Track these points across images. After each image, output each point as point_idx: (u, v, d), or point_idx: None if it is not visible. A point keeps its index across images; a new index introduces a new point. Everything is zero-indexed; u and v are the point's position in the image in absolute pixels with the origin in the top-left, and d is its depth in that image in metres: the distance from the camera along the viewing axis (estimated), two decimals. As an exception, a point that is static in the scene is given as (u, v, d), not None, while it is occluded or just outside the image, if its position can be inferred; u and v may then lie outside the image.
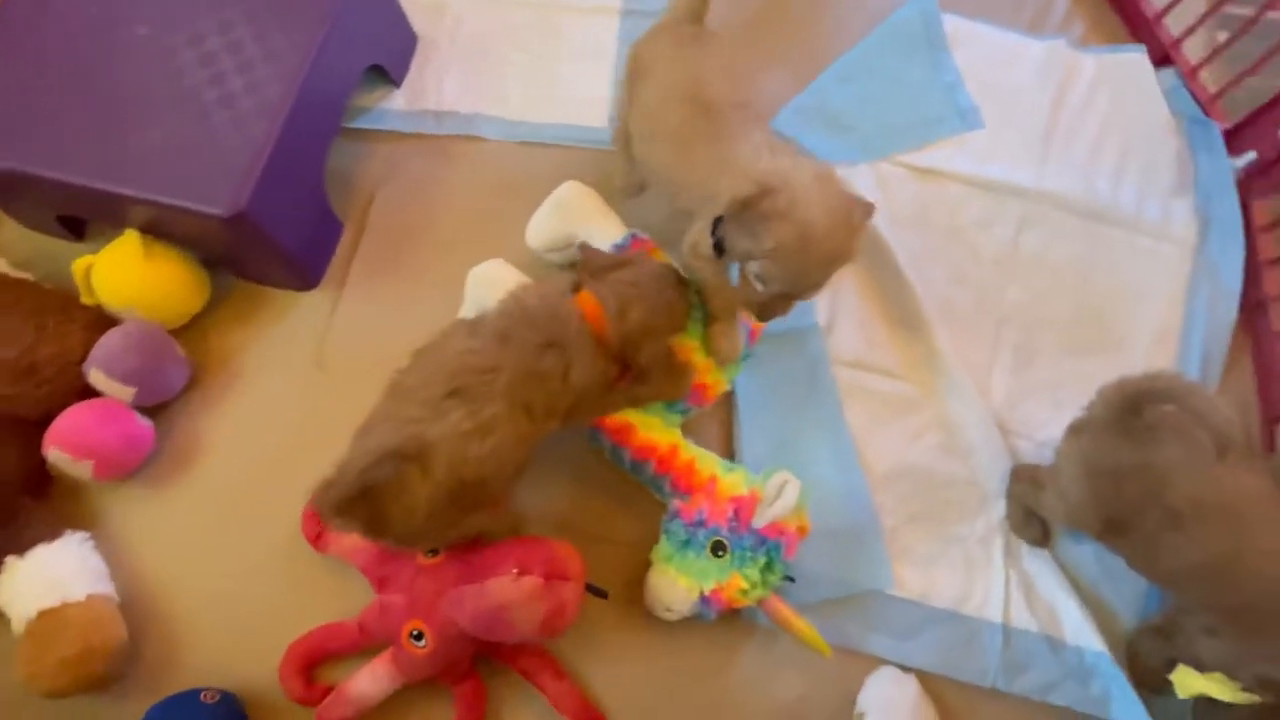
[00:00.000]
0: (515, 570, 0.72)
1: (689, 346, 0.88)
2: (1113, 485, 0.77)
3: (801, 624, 0.82)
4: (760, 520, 0.80)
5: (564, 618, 0.74)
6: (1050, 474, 0.86)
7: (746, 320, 0.89)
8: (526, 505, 0.92)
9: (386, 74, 1.13)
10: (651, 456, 0.86)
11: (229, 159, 0.87)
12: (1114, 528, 0.79)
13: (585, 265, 0.80)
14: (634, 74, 0.87)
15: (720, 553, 0.80)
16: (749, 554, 0.80)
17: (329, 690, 0.80)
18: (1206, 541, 0.73)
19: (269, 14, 0.94)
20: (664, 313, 0.79)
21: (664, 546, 0.84)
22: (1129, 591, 0.91)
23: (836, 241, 0.71)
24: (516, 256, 1.00)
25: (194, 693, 0.81)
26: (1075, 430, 0.83)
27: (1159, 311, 1.03)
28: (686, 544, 0.82)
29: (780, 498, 0.79)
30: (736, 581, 0.79)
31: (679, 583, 0.81)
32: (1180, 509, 0.73)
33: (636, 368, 0.79)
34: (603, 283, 0.77)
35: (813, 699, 0.86)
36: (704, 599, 0.81)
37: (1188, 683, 0.77)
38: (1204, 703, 0.79)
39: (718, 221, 0.75)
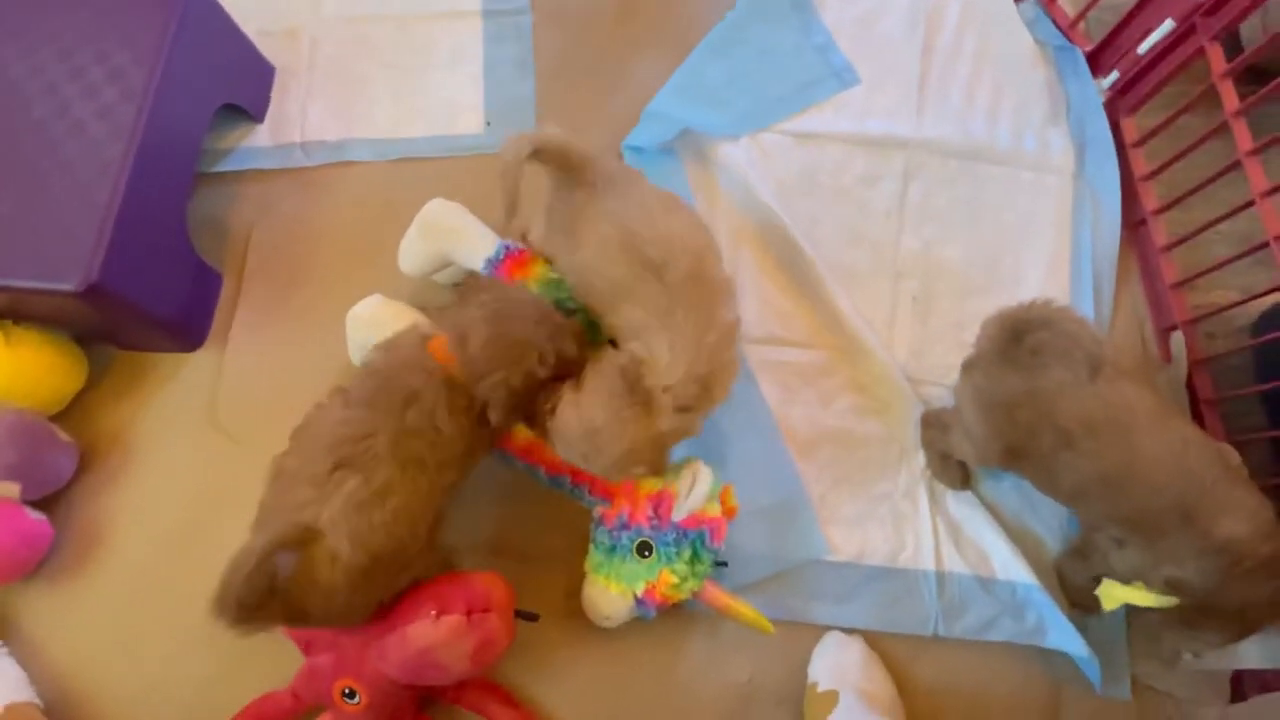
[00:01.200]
0: (434, 612, 0.70)
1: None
2: (1007, 415, 0.79)
3: (741, 607, 0.83)
4: (679, 514, 0.79)
5: (493, 649, 0.72)
6: (953, 415, 0.88)
7: None
8: (454, 536, 0.91)
9: (245, 111, 1.08)
10: (565, 469, 0.84)
11: (73, 229, 0.82)
12: (1014, 455, 0.81)
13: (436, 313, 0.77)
14: (557, 231, 0.85)
15: (646, 553, 0.80)
16: (673, 549, 0.79)
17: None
18: (1098, 456, 0.76)
19: (96, 67, 0.89)
20: (512, 340, 0.74)
21: (593, 555, 0.83)
22: (1052, 518, 0.93)
23: (617, 451, 0.73)
24: (404, 282, 0.97)
25: None
26: (967, 368, 0.84)
27: (1048, 241, 1.06)
28: (613, 550, 0.81)
29: (694, 488, 0.79)
30: (666, 578, 0.79)
31: (611, 590, 0.81)
32: (1070, 428, 0.76)
33: (491, 416, 0.74)
34: (446, 319, 0.75)
35: (763, 678, 0.87)
36: (639, 601, 0.81)
37: (1112, 594, 0.80)
38: (1137, 611, 0.82)
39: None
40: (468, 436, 0.73)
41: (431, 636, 0.69)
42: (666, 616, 0.87)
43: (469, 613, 0.70)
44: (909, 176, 1.08)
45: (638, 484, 0.82)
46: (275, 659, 0.84)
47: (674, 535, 0.79)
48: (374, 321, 0.87)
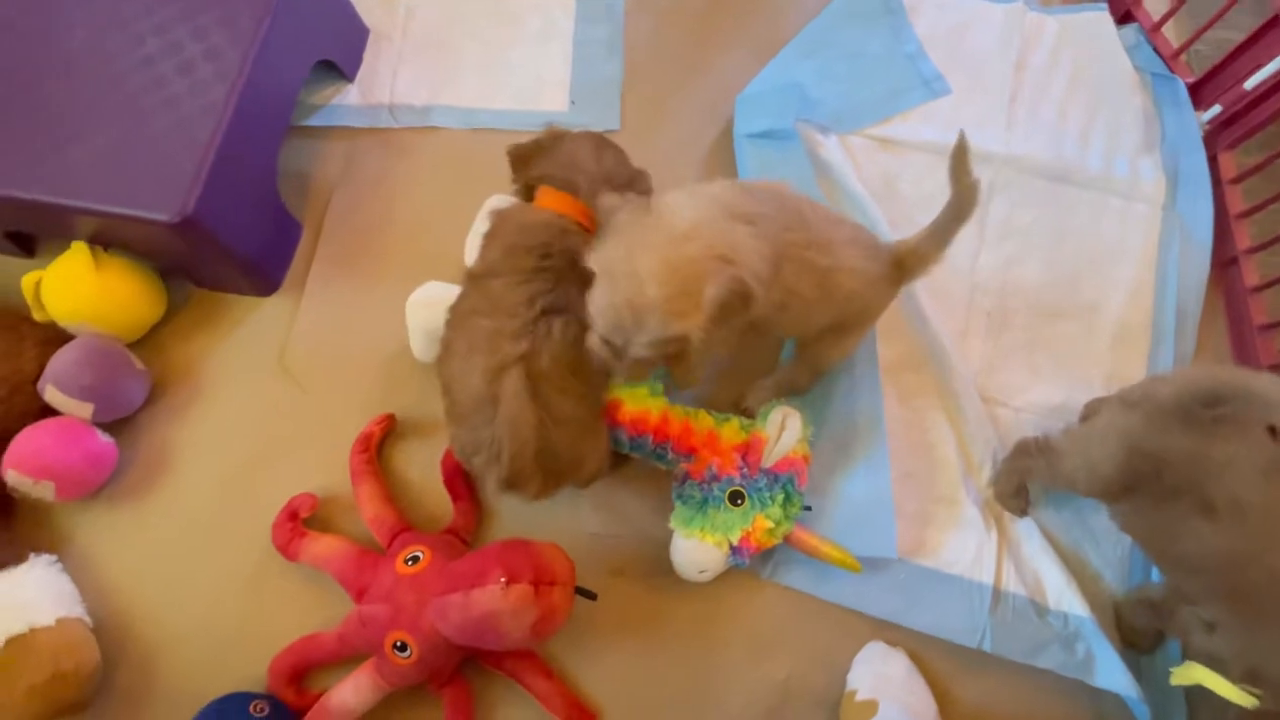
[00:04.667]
0: (503, 579, 0.69)
1: None
2: (1154, 468, 0.73)
3: (829, 548, 0.84)
4: (769, 459, 0.81)
5: (554, 622, 0.72)
6: (1075, 441, 0.82)
7: None
8: (503, 519, 0.91)
9: (338, 69, 1.10)
10: (646, 428, 0.84)
11: (174, 163, 0.84)
12: (1138, 506, 0.76)
13: (514, 165, 0.82)
14: None
15: (739, 501, 0.80)
16: (766, 493, 0.80)
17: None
18: (1234, 535, 0.70)
19: (207, 12, 0.91)
20: (607, 157, 0.79)
21: (682, 512, 0.83)
22: (1111, 554, 0.91)
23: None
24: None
25: (244, 700, 0.78)
26: (1127, 405, 0.78)
27: (1132, 270, 1.03)
28: (704, 502, 0.81)
29: (785, 431, 0.80)
30: (761, 523, 0.80)
31: (707, 541, 0.81)
32: (1217, 502, 0.70)
33: None
34: (542, 174, 0.79)
35: (801, 677, 0.86)
36: (735, 550, 0.81)
37: (1191, 674, 0.76)
38: (1198, 690, 0.77)
39: None
40: None
41: (498, 603, 0.69)
42: (710, 606, 0.87)
43: (535, 584, 0.70)
44: (993, 191, 1.06)
45: (721, 436, 0.83)
46: (320, 603, 0.85)
47: (765, 481, 0.81)
48: (431, 304, 0.86)
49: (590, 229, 0.76)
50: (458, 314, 0.77)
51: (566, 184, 0.78)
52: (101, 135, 0.86)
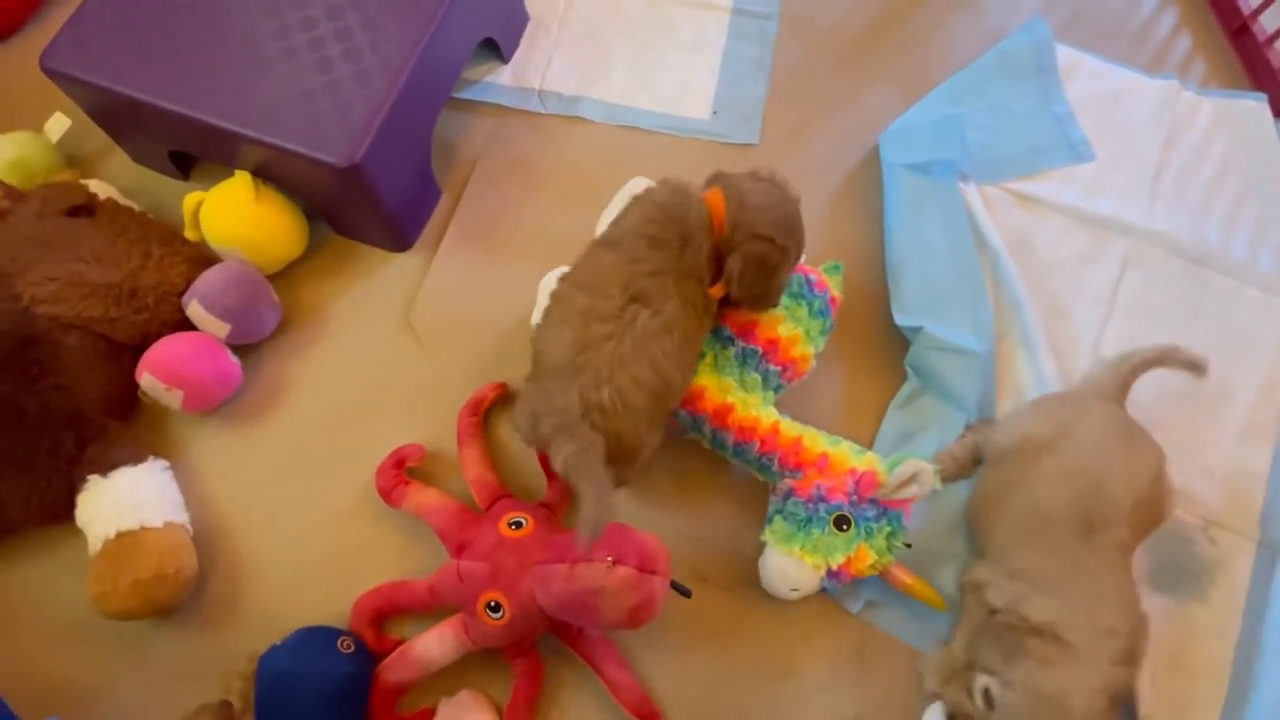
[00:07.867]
0: (610, 559, 0.70)
1: (776, 319, 0.87)
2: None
3: (920, 586, 0.83)
4: (882, 496, 0.79)
5: (650, 611, 0.72)
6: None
7: (826, 289, 0.90)
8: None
9: (497, 49, 1.15)
10: (754, 436, 0.84)
11: (349, 111, 0.88)
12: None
13: (716, 174, 0.84)
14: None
15: (844, 526, 0.79)
16: (873, 524, 0.79)
17: (399, 643, 0.80)
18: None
19: (400, -24, 0.96)
20: (781, 221, 0.80)
21: (782, 527, 0.82)
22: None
23: None
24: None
25: (332, 634, 0.79)
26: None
27: (1265, 365, 1.00)
28: (808, 522, 0.80)
29: (914, 483, 0.77)
30: (864, 553, 0.79)
31: (806, 561, 0.79)
32: None
33: (730, 263, 0.79)
34: (721, 179, 0.82)
35: (870, 718, 0.84)
36: (831, 574, 0.80)
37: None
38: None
39: None
40: (707, 296, 0.80)
41: (602, 581, 0.69)
42: (787, 629, 0.86)
43: (639, 570, 0.70)
44: (1128, 264, 1.04)
45: (832, 460, 0.82)
46: (407, 553, 0.87)
47: (874, 512, 0.79)
48: None
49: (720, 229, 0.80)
50: (563, 284, 0.80)
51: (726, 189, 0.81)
52: (284, 74, 0.91)
